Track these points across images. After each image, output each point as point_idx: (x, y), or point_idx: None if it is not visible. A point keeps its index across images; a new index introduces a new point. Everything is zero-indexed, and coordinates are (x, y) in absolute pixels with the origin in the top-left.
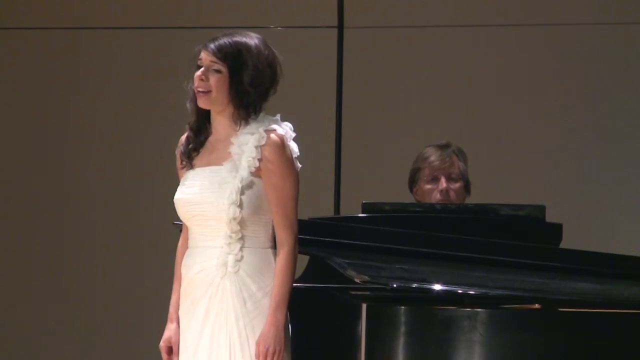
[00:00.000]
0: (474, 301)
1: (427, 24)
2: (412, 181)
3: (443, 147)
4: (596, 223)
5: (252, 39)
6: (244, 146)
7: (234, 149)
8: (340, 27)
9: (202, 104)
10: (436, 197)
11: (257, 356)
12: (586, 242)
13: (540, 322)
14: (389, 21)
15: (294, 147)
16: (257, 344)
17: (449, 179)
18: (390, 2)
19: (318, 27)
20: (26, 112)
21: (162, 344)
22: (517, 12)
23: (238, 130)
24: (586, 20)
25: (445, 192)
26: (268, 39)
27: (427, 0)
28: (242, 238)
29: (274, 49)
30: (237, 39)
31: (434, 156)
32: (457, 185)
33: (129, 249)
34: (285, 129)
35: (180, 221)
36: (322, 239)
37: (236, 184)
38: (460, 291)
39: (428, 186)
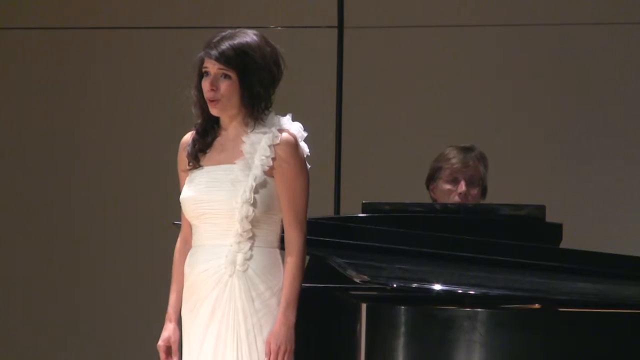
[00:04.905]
0: (474, 301)
1: (427, 24)
2: (431, 178)
3: (467, 149)
4: (596, 223)
5: (251, 38)
6: (256, 145)
7: (246, 148)
8: (340, 27)
9: (216, 112)
10: (454, 198)
11: (268, 354)
12: (586, 242)
13: (540, 322)
14: (389, 21)
15: (304, 147)
16: (268, 342)
17: (469, 183)
18: (390, 2)
19: (318, 27)
20: (31, 111)
21: (160, 343)
22: (518, 12)
23: (250, 130)
24: (587, 20)
25: (464, 196)
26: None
27: (427, 0)
28: (252, 237)
29: (272, 42)
30: (239, 40)
31: (456, 158)
32: (476, 190)
33: (131, 248)
34: (296, 129)
35: (181, 221)
36: (322, 239)
37: (250, 182)
38: (460, 291)
39: (447, 186)
